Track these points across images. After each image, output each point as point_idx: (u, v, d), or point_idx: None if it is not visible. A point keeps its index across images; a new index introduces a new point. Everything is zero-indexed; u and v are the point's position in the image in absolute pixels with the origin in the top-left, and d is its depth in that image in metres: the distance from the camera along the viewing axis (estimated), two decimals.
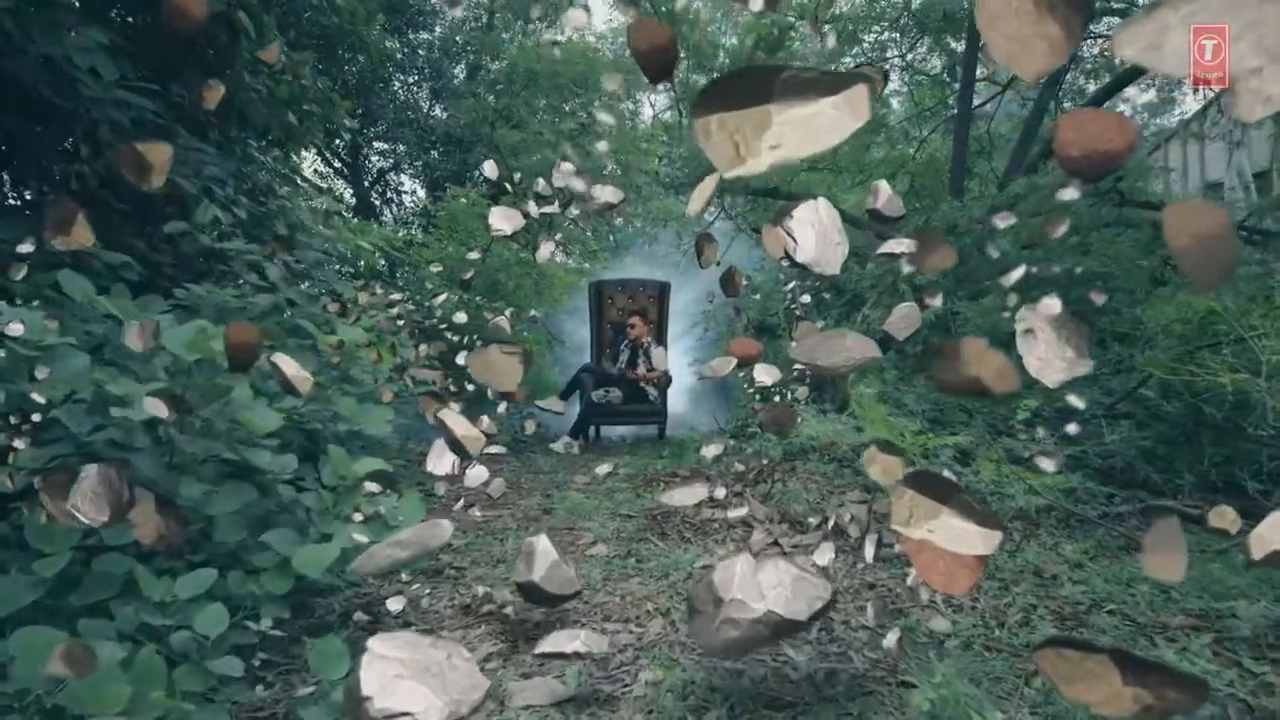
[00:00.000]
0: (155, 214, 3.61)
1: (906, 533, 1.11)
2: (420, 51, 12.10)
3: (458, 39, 12.25)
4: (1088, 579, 1.99)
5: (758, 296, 4.75)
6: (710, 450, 1.99)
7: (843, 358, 1.15)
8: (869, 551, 2.06)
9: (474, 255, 4.46)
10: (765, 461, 3.54)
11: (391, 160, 12.88)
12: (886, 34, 6.91)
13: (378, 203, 13.15)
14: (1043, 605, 1.83)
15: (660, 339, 5.67)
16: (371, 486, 1.88)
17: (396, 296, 4.21)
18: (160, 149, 1.15)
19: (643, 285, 5.85)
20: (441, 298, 3.78)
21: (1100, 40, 7.51)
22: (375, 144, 12.90)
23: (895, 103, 8.08)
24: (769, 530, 2.64)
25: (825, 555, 1.82)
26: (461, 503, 2.28)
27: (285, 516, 1.75)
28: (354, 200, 13.04)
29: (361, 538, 1.78)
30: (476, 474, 1.58)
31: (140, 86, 3.44)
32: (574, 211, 2.06)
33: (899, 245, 1.49)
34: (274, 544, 1.59)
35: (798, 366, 2.66)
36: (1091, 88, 8.33)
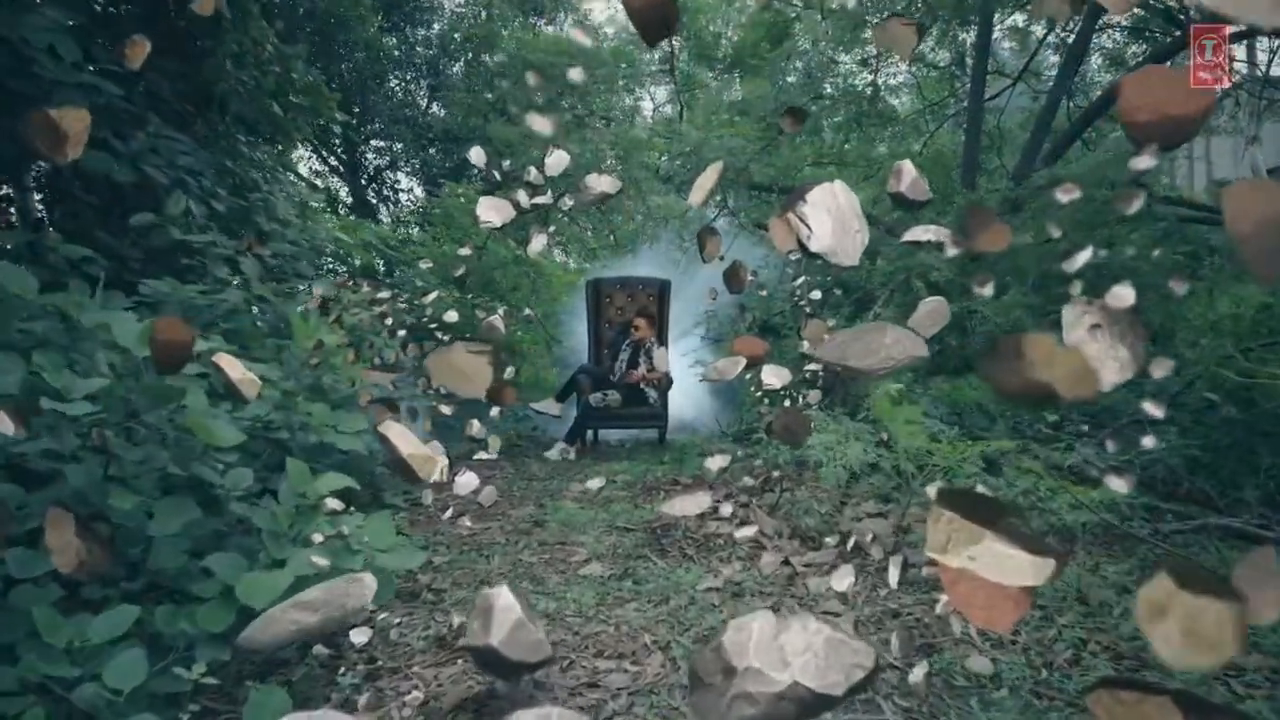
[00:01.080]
0: (126, 206, 3.40)
1: (943, 560, 0.91)
2: (419, 49, 11.90)
3: (456, 35, 12.05)
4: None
5: (764, 293, 4.52)
6: (715, 462, 1.77)
7: (881, 357, 0.93)
8: (893, 575, 1.84)
9: (465, 251, 4.23)
10: (773, 471, 3.33)
11: (388, 158, 12.67)
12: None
13: (375, 201, 12.94)
14: (1094, 640, 1.62)
15: (661, 339, 5.45)
16: (334, 504, 1.67)
17: (384, 295, 4.00)
18: (77, 115, 0.93)
19: (642, 283, 5.63)
20: (432, 296, 3.57)
21: (1118, 30, 7.30)
22: (372, 142, 12.70)
23: (904, 96, 7.87)
24: (778, 547, 2.42)
25: (844, 579, 1.59)
26: (451, 512, 2.08)
27: (236, 539, 1.54)
28: (350, 199, 12.85)
29: (322, 561, 1.57)
30: (466, 481, 1.39)
31: (108, 70, 3.24)
32: (568, 203, 1.88)
33: (924, 233, 1.28)
34: (217, 570, 1.38)
35: (810, 368, 2.45)
36: (1107, 79, 8.10)
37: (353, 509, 1.74)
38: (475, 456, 1.72)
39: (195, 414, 1.50)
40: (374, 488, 3.48)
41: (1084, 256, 1.17)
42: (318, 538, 1.64)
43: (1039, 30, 7.40)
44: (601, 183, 1.69)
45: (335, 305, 3.36)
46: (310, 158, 12.42)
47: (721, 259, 1.88)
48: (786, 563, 2.29)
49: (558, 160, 1.61)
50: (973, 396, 3.49)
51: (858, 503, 2.92)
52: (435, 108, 12.30)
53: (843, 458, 2.67)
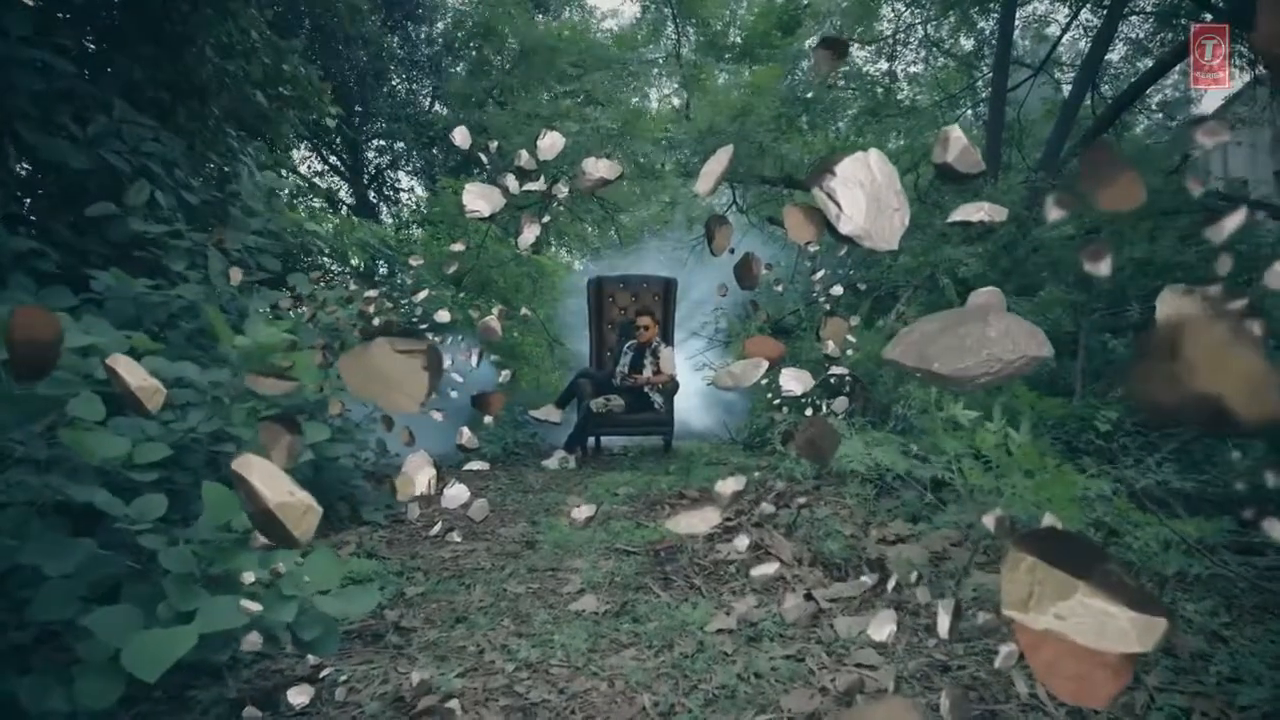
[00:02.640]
0: (85, 195, 3.14)
1: (1024, 620, 0.63)
2: (423, 49, 11.68)
3: (460, 34, 11.83)
4: (1243, 661, 1.46)
5: (780, 288, 4.21)
6: (728, 485, 1.48)
7: (982, 360, 0.63)
8: (943, 623, 1.53)
9: (459, 247, 3.96)
10: (789, 484, 3.02)
11: (389, 157, 12.46)
12: (908, 10, 6.38)
13: (376, 201, 12.71)
14: (1197, 710, 1.31)
15: (667, 340, 5.16)
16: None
17: (372, 293, 3.73)
18: None
19: (646, 281, 5.34)
20: (423, 294, 3.31)
21: (1146, 17, 6.96)
22: (373, 141, 12.48)
23: (920, 86, 7.55)
24: (798, 577, 2.12)
25: (883, 627, 1.28)
26: (439, 527, 1.79)
27: (135, 585, 1.26)
28: (354, 200, 12.64)
29: (252, 606, 1.28)
30: (455, 494, 1.12)
31: (64, 47, 2.98)
32: (563, 190, 1.60)
33: (977, 211, 0.99)
34: (98, 630, 1.09)
35: (836, 372, 2.14)
36: (1133, 68, 7.75)
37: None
38: (467, 467, 1.47)
39: (80, 427, 1.22)
40: (352, 502, 3.21)
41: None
42: (248, 578, 1.36)
43: (1060, 18, 7.09)
44: (600, 167, 1.42)
45: (311, 302, 3.09)
46: (310, 157, 12.20)
47: (732, 251, 1.60)
48: (809, 597, 1.99)
49: (552, 142, 1.36)
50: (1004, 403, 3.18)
51: (883, 522, 2.61)
52: (438, 106, 12.06)
53: (872, 471, 2.36)
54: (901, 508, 2.72)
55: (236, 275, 2.46)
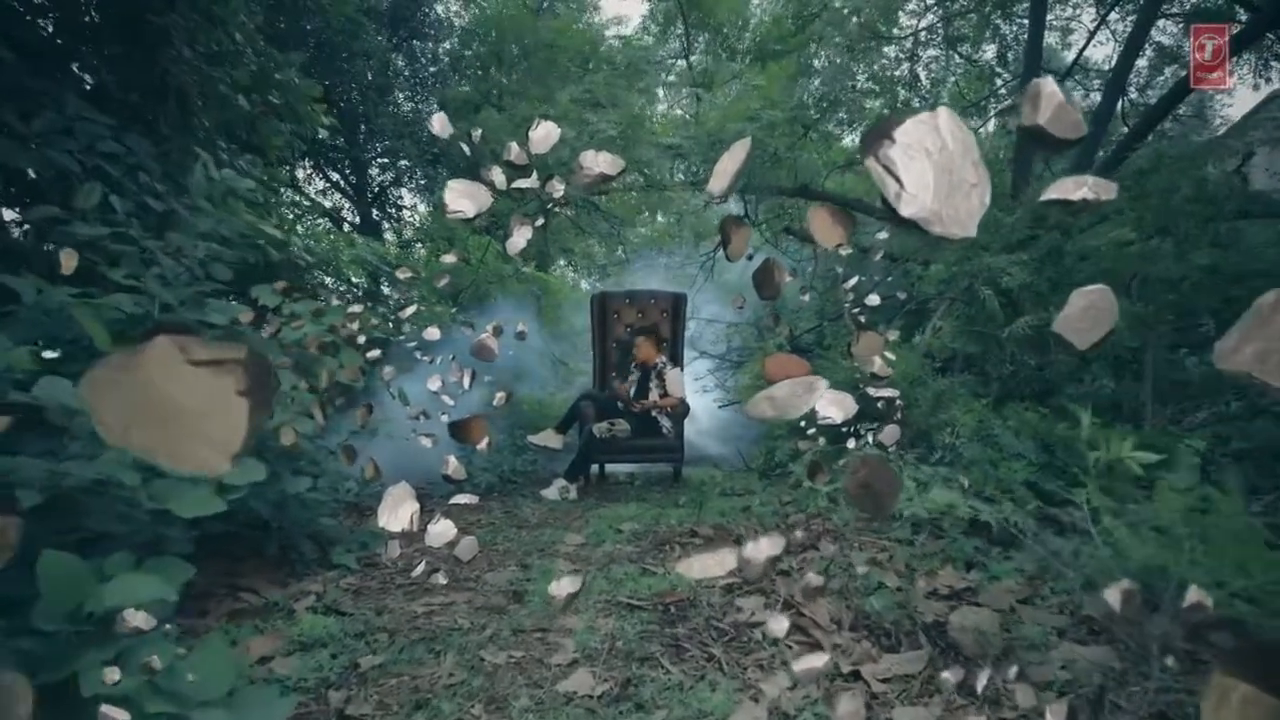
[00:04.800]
0: (39, 199, 2.84)
1: None
2: (428, 68, 11.55)
3: (466, 52, 11.71)
4: None
5: (807, 297, 3.84)
6: (761, 549, 1.11)
7: None
8: None
9: (451, 259, 3.67)
10: (816, 522, 2.65)
11: (393, 174, 12.29)
12: (930, 13, 6.09)
13: (380, 219, 12.51)
14: None
15: (676, 360, 4.79)
16: (137, 622, 1.02)
17: (356, 308, 3.41)
18: None
19: (654, 296, 4.99)
20: (410, 310, 2.98)
21: (1177, 21, 6.65)
22: (378, 160, 12.32)
23: (944, 87, 7.24)
24: (839, 646, 1.73)
25: None
26: (422, 569, 1.43)
27: None
28: (359, 219, 12.44)
29: (118, 716, 0.93)
30: (441, 531, 0.89)
31: (10, 37, 2.70)
32: (559, 187, 1.28)
33: (1077, 187, 0.66)
34: None
35: (884, 393, 1.78)
36: (1161, 79, 7.43)
37: (169, 630, 1.09)
38: (454, 500, 1.15)
39: None
40: (322, 541, 2.85)
41: None
42: (112, 676, 0.99)
43: (1086, 22, 6.78)
44: (600, 162, 1.09)
45: (278, 317, 2.75)
46: (312, 175, 12.04)
47: (750, 258, 1.29)
48: (856, 674, 1.60)
49: (546, 133, 1.05)
50: (1063, 430, 2.79)
51: (931, 571, 2.22)
52: (470, 153, 11.86)
53: (927, 514, 1.98)
54: (948, 550, 2.34)
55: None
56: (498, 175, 1.30)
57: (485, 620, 2.09)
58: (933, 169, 0.47)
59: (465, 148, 1.68)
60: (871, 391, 1.65)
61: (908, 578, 2.18)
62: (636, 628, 1.97)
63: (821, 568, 2.22)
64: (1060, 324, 0.70)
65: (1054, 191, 0.64)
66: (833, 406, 0.95)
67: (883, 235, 1.93)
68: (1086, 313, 0.73)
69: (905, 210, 0.46)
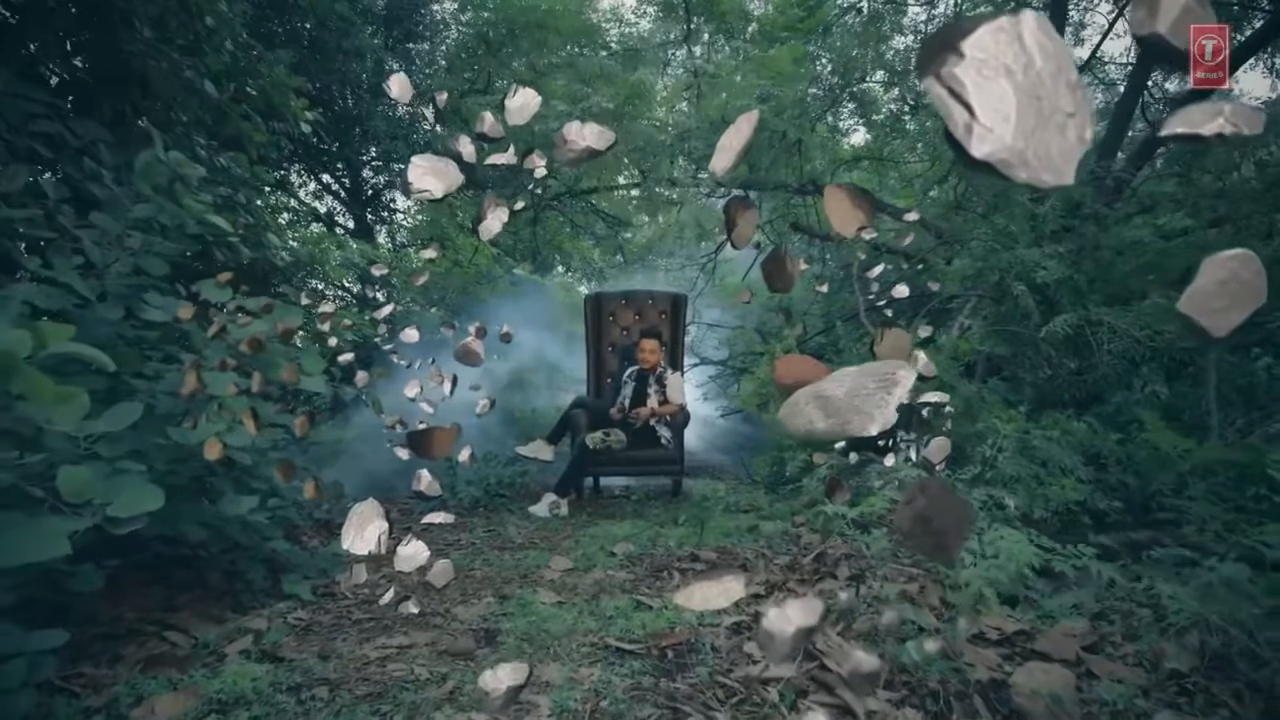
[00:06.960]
0: None
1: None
2: (423, 70, 11.31)
3: (462, 55, 11.46)
4: None
5: (824, 289, 3.51)
6: (796, 615, 0.79)
7: None
8: None
9: (430, 254, 3.38)
10: (834, 547, 2.32)
11: (385, 177, 12.04)
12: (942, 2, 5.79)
13: (373, 222, 12.23)
14: None
15: (675, 364, 4.47)
16: None
17: (328, 308, 3.10)
18: None
19: (652, 298, 4.67)
20: (386, 310, 2.68)
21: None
22: (373, 163, 12.06)
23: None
24: (874, 714, 1.40)
25: None
26: (390, 596, 1.13)
27: None
28: (354, 224, 12.16)
29: None
30: (411, 554, 0.79)
31: None
32: (539, 161, 1.03)
33: (1209, 117, 0.32)
34: None
35: (933, 400, 1.45)
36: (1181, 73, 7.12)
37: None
38: (427, 519, 0.93)
39: None
40: (273, 567, 2.52)
41: None
42: None
43: (1104, 13, 6.49)
44: (587, 134, 0.84)
45: (222, 315, 2.44)
46: (304, 175, 11.78)
47: (757, 246, 1.05)
48: None
49: (524, 101, 0.83)
50: (1112, 442, 2.46)
51: (975, 609, 1.89)
52: (438, 127, 11.62)
53: (991, 566, 1.65)
54: (991, 586, 2.00)
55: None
56: (467, 147, 1.01)
57: (447, 669, 1.76)
58: (1015, 94, 0.33)
59: (428, 114, 1.37)
60: (916, 398, 1.33)
61: (946, 617, 1.86)
62: (626, 680, 1.64)
63: (845, 607, 1.89)
64: (1188, 302, 0.43)
65: (1178, 123, 0.40)
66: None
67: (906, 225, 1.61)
68: (1224, 287, 0.45)
69: (979, 149, 0.32)
